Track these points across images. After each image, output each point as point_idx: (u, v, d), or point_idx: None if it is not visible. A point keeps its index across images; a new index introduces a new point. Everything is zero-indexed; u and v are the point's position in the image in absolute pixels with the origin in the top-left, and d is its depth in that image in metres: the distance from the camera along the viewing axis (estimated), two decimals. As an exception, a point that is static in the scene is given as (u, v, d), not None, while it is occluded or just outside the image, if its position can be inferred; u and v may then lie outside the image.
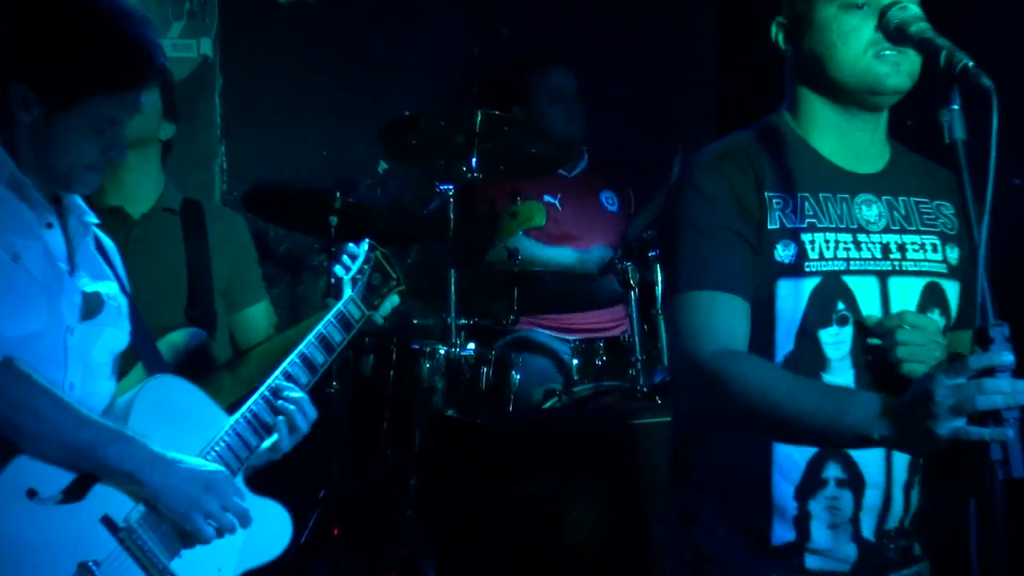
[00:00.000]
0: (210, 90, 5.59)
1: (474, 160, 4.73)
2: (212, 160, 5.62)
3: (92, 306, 2.86)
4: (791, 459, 2.53)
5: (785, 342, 2.52)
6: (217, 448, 2.95)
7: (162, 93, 4.06)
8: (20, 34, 2.72)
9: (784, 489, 2.54)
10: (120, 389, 2.99)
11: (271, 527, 3.04)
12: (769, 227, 2.53)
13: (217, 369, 3.47)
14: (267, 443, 3.04)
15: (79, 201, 2.92)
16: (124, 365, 3.04)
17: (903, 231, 2.61)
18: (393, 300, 3.51)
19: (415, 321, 5.32)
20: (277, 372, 3.11)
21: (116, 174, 3.99)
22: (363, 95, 5.99)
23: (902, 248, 2.60)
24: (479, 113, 4.69)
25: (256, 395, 3.06)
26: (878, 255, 2.56)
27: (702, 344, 2.44)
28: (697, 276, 2.49)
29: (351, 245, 3.48)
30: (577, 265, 5.28)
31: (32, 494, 2.62)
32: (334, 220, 4.65)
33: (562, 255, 5.35)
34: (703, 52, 6.64)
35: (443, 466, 4.60)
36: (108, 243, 3.08)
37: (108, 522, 2.73)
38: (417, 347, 4.68)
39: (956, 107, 2.21)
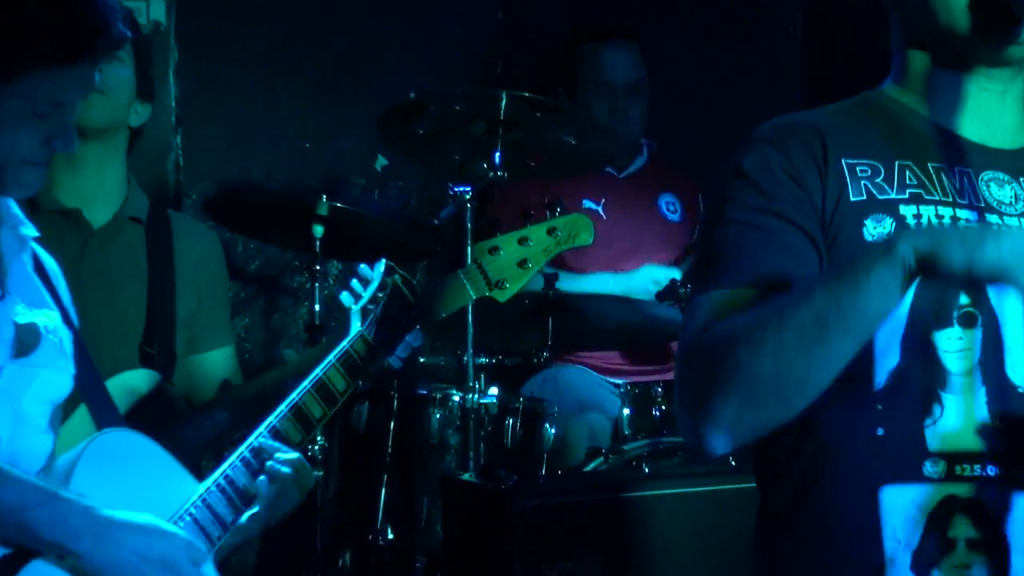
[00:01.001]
0: (163, 65, 5.42)
1: (497, 155, 4.50)
2: (165, 154, 5.45)
3: (25, 341, 2.74)
4: (908, 515, 2.32)
5: (887, 351, 2.32)
6: (180, 524, 2.85)
7: (136, 67, 3.96)
8: None
9: (901, 559, 2.32)
10: (61, 444, 2.87)
11: None
12: (852, 199, 2.38)
13: (179, 421, 3.41)
14: (245, 517, 2.96)
15: (14, 208, 2.82)
16: (66, 414, 2.93)
17: None
18: (414, 338, 3.41)
19: (422, 360, 5.03)
20: (262, 428, 3.03)
21: (74, 168, 3.87)
22: (356, 73, 5.88)
23: None
24: (504, 95, 4.45)
25: (234, 456, 2.98)
26: None
27: (692, 333, 2.31)
28: (719, 274, 2.35)
29: (363, 267, 3.39)
30: (623, 293, 5.18)
31: None
32: (319, 230, 4.49)
33: (599, 285, 5.26)
34: (789, 27, 6.54)
35: (458, 545, 4.34)
36: (49, 262, 2.97)
37: None
38: (425, 393, 4.56)
39: None
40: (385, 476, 4.43)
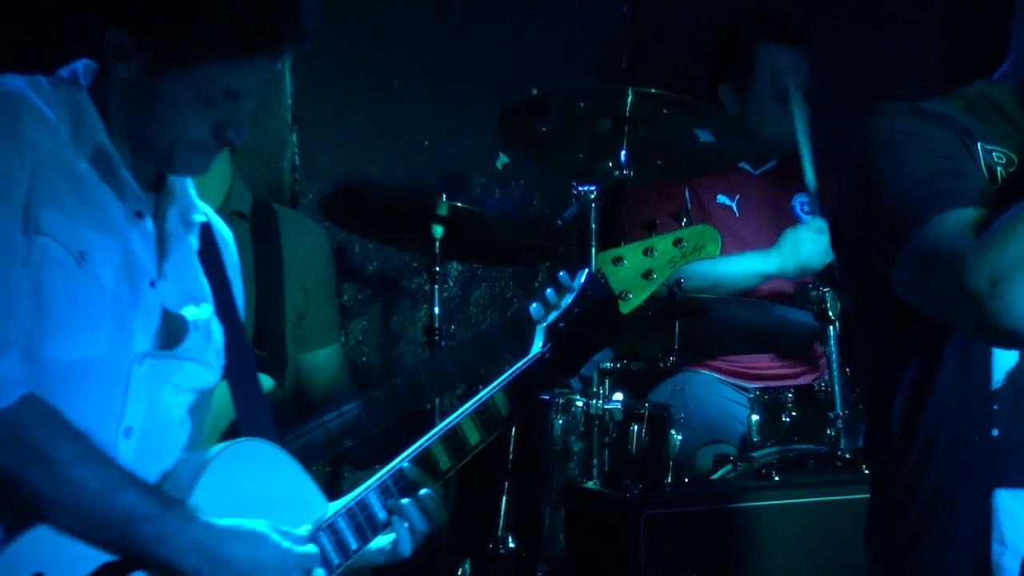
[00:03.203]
0: (279, 63, 5.39)
1: (623, 153, 4.41)
2: (281, 153, 5.40)
3: (174, 331, 2.71)
4: (1019, 521, 2.37)
5: (1007, 354, 2.36)
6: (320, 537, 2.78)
7: None
8: None
9: (1008, 564, 2.36)
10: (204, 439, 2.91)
11: None
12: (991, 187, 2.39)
13: (293, 426, 3.42)
14: (376, 544, 2.86)
15: (190, 189, 2.82)
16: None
17: None
18: (603, 356, 3.21)
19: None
20: (409, 451, 2.89)
21: None
22: (476, 69, 5.86)
23: None
24: (630, 92, 4.37)
25: (373, 480, 2.83)
26: None
27: (956, 238, 2.25)
28: (945, 195, 2.30)
29: (563, 274, 3.21)
30: (773, 272, 5.08)
31: None
32: (438, 231, 4.48)
33: (745, 264, 5.13)
34: (928, 23, 6.34)
35: (581, 555, 4.40)
36: (226, 247, 2.96)
37: None
38: (547, 398, 4.50)
39: None
40: (506, 483, 4.46)
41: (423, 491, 2.83)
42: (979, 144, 2.40)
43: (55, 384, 2.51)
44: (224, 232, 2.98)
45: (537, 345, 3.07)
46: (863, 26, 6.22)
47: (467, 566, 4.55)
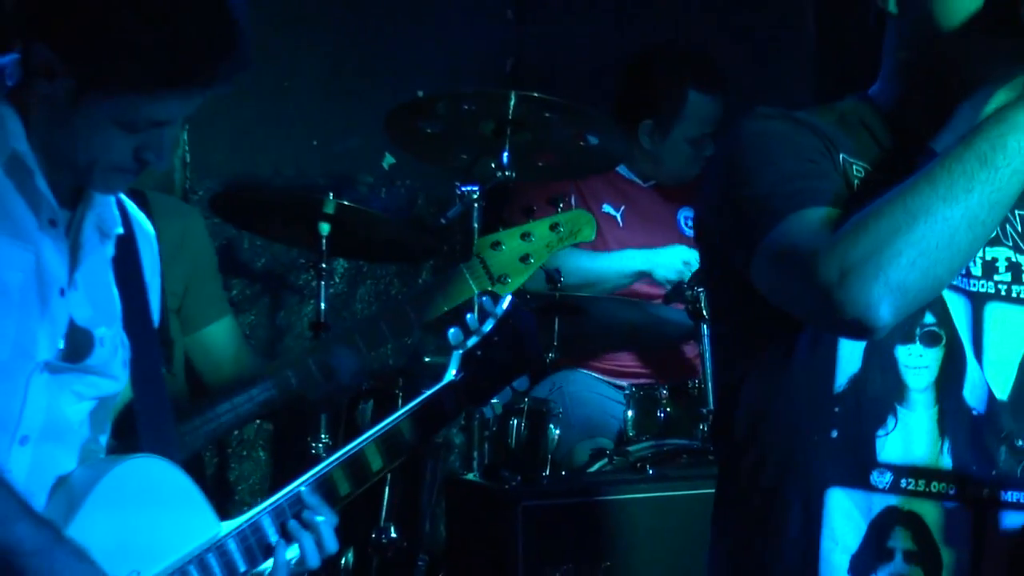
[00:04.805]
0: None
1: (506, 155, 4.46)
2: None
3: (79, 345, 2.62)
4: (850, 519, 2.37)
5: (851, 358, 2.36)
6: (190, 569, 2.68)
7: None
8: None
9: (838, 561, 2.36)
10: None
11: None
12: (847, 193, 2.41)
13: (183, 415, 3.33)
14: (261, 569, 2.80)
15: (111, 199, 2.72)
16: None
17: (1017, 249, 2.45)
18: (520, 383, 3.22)
19: (427, 359, 5.23)
20: (309, 475, 2.84)
21: None
22: (364, 71, 5.91)
23: (1015, 269, 2.44)
24: (513, 95, 4.44)
25: (267, 503, 2.79)
26: (976, 272, 2.41)
27: (812, 236, 2.23)
28: (804, 194, 2.29)
29: (486, 300, 3.15)
30: (649, 270, 5.13)
31: None
32: (325, 228, 4.48)
33: (623, 261, 5.20)
34: (803, 43, 6.52)
35: (461, 544, 4.45)
36: (149, 247, 2.87)
37: None
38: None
39: None
40: (389, 475, 4.42)
41: (319, 518, 2.80)
42: (842, 155, 2.41)
43: None
44: (147, 232, 2.88)
45: (450, 373, 3.03)
46: (742, 46, 6.31)
47: (350, 555, 4.61)
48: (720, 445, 2.58)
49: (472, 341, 3.05)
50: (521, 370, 3.17)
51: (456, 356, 3.03)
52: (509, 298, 3.14)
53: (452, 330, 3.06)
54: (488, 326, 3.07)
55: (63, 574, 2.44)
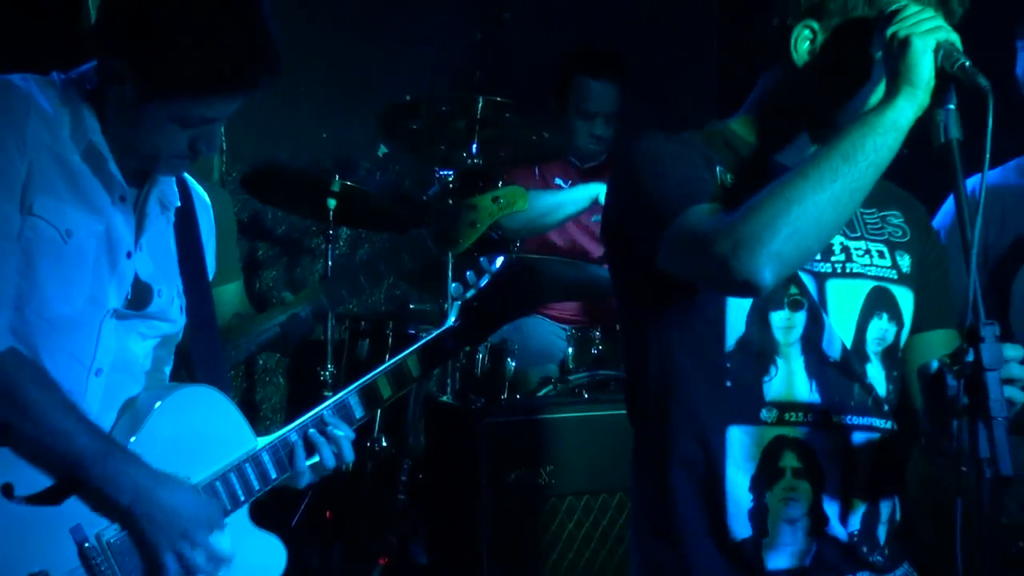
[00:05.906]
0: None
1: (474, 146, 4.77)
2: None
3: (142, 296, 2.71)
4: (747, 449, 2.48)
5: (736, 324, 2.47)
6: (231, 475, 2.78)
7: None
8: (135, 9, 2.53)
9: (740, 481, 2.48)
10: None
11: (261, 563, 2.86)
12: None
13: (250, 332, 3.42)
14: (287, 475, 2.88)
15: (172, 178, 2.81)
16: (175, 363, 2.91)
17: (846, 236, 2.56)
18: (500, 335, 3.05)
19: (412, 306, 5.46)
20: (331, 401, 2.93)
21: None
22: (364, 77, 5.99)
23: (847, 251, 2.56)
24: (480, 99, 4.72)
25: (296, 423, 2.88)
26: (817, 257, 2.50)
27: (709, 219, 2.33)
28: (695, 193, 2.39)
29: (483, 259, 3.18)
30: (597, 193, 5.21)
31: (7, 490, 2.45)
32: (332, 203, 4.65)
33: (579, 191, 5.28)
34: (706, 51, 6.72)
35: (436, 452, 4.59)
36: (206, 214, 2.96)
37: (78, 536, 2.53)
38: (413, 332, 4.72)
39: (952, 107, 2.22)
40: None
41: (339, 432, 2.87)
42: (717, 167, 2.50)
43: (39, 336, 2.54)
44: (205, 202, 2.95)
45: (451, 319, 3.08)
46: (651, 61, 6.54)
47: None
48: (632, 402, 2.64)
49: (470, 294, 3.10)
50: (509, 318, 3.20)
51: (456, 306, 3.08)
52: (502, 256, 3.17)
53: (454, 284, 3.11)
54: (484, 281, 3.11)
55: (118, 477, 2.52)
